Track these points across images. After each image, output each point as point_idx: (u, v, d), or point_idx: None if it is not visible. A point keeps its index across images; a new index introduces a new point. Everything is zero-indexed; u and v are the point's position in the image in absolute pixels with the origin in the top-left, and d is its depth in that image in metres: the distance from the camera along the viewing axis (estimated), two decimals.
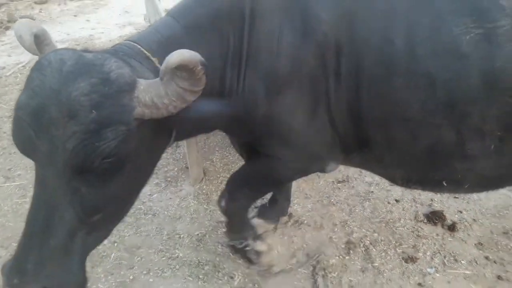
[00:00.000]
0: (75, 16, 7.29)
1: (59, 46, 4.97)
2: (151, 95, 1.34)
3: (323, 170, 2.08)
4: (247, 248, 2.42)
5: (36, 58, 1.43)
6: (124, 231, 2.81)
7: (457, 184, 1.99)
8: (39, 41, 1.46)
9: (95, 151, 1.25)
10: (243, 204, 2.32)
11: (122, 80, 1.32)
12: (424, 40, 1.63)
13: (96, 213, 1.42)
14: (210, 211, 3.00)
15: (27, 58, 5.33)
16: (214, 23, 1.69)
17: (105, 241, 2.65)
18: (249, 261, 2.48)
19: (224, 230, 2.60)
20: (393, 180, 2.18)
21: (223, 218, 2.86)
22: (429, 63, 1.63)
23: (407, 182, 2.13)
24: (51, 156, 1.26)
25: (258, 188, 2.27)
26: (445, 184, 1.99)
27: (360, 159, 2.03)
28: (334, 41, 1.68)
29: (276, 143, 1.90)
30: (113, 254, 2.64)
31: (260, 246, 2.47)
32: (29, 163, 3.34)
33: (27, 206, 1.38)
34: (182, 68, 1.29)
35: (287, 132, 1.85)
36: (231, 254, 2.58)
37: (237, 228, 2.42)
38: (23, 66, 5.17)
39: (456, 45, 1.58)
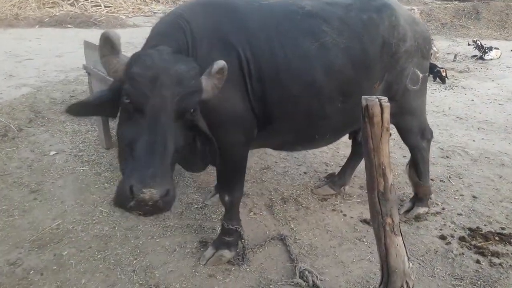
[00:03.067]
0: None
1: None
2: (204, 82, 2.35)
3: (253, 138, 3.08)
4: (239, 230, 3.32)
5: None
6: (119, 218, 3.83)
7: (323, 136, 3.41)
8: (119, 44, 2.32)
9: (191, 103, 2.27)
10: (239, 193, 3.29)
11: (198, 67, 2.37)
12: (292, 50, 2.92)
13: (176, 152, 2.28)
14: (178, 198, 4.21)
15: None
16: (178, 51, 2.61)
17: (106, 227, 3.69)
18: (235, 242, 3.35)
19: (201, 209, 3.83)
20: (282, 147, 3.67)
21: (192, 202, 4.14)
22: (297, 62, 2.93)
23: (292, 145, 3.58)
24: (162, 106, 2.15)
25: (239, 173, 3.22)
26: (317, 137, 3.39)
27: (265, 133, 3.11)
28: (244, 56, 2.78)
29: (224, 126, 2.81)
30: (118, 233, 3.65)
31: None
32: None
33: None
34: (219, 71, 2.39)
35: (230, 115, 2.82)
36: (224, 237, 3.33)
37: (235, 215, 3.35)
38: None
39: (309, 51, 2.95)
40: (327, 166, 5.01)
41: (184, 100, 2.23)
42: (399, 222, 2.38)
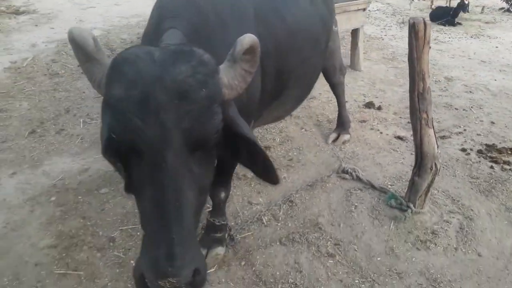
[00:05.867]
0: (36, 25, 8.33)
1: (49, 45, 6.24)
2: (227, 76, 1.49)
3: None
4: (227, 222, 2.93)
5: None
6: None
7: (292, 104, 3.20)
8: (96, 45, 1.48)
9: (210, 125, 1.39)
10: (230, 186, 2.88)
11: (212, 62, 1.47)
12: (297, 10, 2.62)
13: (202, 194, 1.53)
14: None
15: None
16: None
17: None
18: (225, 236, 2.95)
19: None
20: (267, 121, 3.24)
21: None
22: (305, 22, 2.68)
23: (279, 117, 3.36)
24: (164, 140, 1.31)
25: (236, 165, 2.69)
26: (287, 107, 3.16)
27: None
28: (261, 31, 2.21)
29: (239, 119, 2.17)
30: None
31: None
32: None
33: None
34: (247, 51, 1.50)
35: (253, 105, 2.30)
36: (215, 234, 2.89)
37: (224, 209, 2.91)
38: None
39: (307, 8, 2.76)
40: (365, 96, 5.56)
41: (199, 121, 1.37)
42: (432, 118, 2.96)
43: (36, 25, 8.36)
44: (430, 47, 2.78)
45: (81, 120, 4.70)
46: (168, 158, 1.32)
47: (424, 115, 2.91)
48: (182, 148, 1.35)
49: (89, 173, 3.80)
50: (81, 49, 1.45)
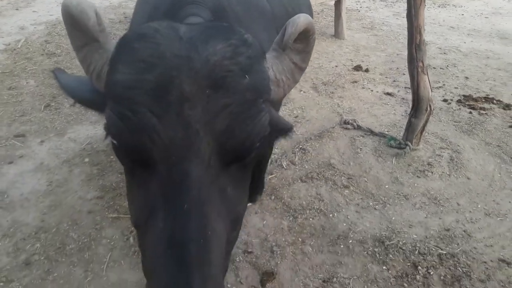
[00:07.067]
0: (17, 9, 8.34)
1: (38, 27, 6.42)
2: (274, 69, 1.12)
3: None
4: None
5: None
6: None
7: None
8: (99, 23, 1.11)
9: (254, 128, 1.00)
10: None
11: (258, 44, 1.09)
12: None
13: (235, 228, 1.13)
14: None
15: None
16: None
17: None
18: None
19: None
20: None
21: None
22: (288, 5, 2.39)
23: None
24: (188, 145, 0.94)
25: None
26: None
27: None
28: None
29: None
30: None
31: None
32: None
33: None
34: (300, 36, 1.14)
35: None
36: None
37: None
38: None
39: None
40: (352, 61, 6.08)
41: (240, 121, 1.01)
42: (427, 66, 3.50)
43: (17, 9, 8.37)
44: (425, 5, 3.28)
45: None
46: (192, 172, 0.94)
47: (420, 64, 3.43)
48: (213, 159, 0.98)
49: None
50: (79, 26, 1.08)
